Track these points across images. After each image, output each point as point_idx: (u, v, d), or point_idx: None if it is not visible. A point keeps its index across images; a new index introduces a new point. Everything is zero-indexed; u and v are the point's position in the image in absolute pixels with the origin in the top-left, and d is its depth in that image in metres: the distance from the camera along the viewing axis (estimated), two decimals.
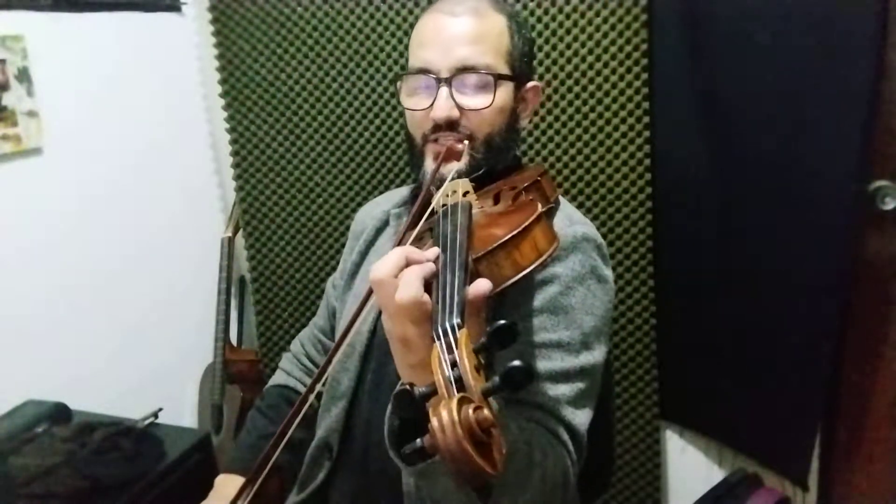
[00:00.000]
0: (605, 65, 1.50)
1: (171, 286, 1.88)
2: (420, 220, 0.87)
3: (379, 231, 1.14)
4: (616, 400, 1.63)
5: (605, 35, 1.48)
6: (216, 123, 1.94)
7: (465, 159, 0.97)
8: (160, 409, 1.47)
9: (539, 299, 0.90)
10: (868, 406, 1.50)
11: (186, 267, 1.93)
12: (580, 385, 0.89)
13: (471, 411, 0.49)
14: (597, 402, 0.94)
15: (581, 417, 0.89)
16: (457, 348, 0.57)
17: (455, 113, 0.95)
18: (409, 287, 0.66)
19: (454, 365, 0.56)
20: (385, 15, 1.63)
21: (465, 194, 0.88)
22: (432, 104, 0.95)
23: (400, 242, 0.86)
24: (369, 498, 1.00)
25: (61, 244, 1.58)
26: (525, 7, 1.52)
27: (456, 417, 0.48)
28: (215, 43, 1.78)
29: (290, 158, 1.79)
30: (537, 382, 0.87)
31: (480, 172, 0.97)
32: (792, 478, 1.56)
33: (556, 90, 1.54)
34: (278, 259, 1.88)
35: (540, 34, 1.52)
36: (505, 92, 0.97)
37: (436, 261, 0.71)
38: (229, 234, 1.93)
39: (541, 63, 1.54)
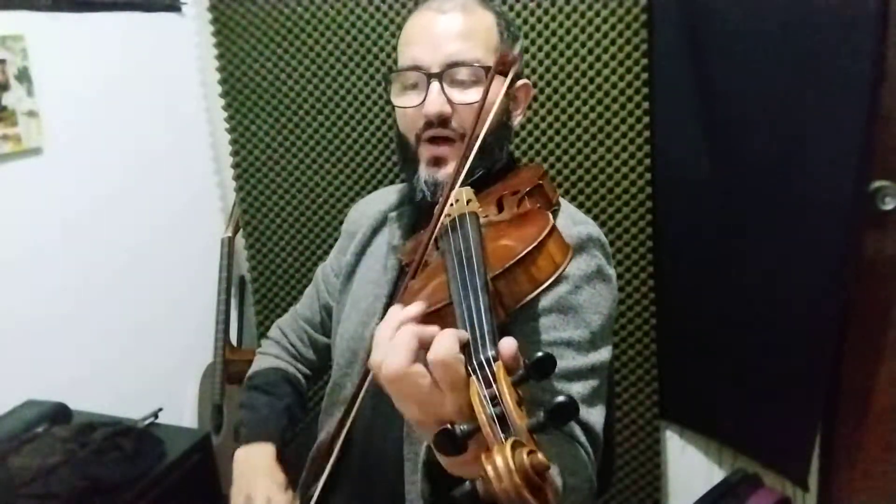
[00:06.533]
0: (605, 65, 1.50)
1: (171, 286, 1.88)
2: (427, 247, 0.85)
3: (375, 231, 1.14)
4: (616, 400, 1.63)
5: (605, 35, 1.48)
6: (216, 123, 1.94)
7: (452, 162, 0.96)
8: (160, 409, 1.47)
9: (548, 299, 0.90)
10: (868, 406, 1.50)
11: (186, 267, 1.93)
12: (592, 383, 0.89)
13: (525, 456, 0.49)
14: None
15: (595, 416, 0.89)
16: (495, 382, 0.56)
17: (447, 108, 0.95)
18: (442, 343, 0.59)
19: (494, 400, 0.55)
20: (385, 15, 1.63)
21: (467, 202, 0.87)
22: (423, 101, 0.95)
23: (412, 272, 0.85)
24: (368, 501, 1.00)
25: (61, 244, 1.58)
26: (525, 7, 1.52)
27: (512, 465, 0.48)
28: (215, 43, 1.78)
29: (290, 158, 1.79)
30: (553, 382, 0.87)
31: (477, 175, 0.97)
32: (792, 478, 1.56)
33: (556, 90, 1.54)
34: (278, 259, 1.88)
35: (540, 34, 1.52)
36: (496, 87, 0.96)
37: (453, 281, 0.69)
38: (229, 234, 1.93)
39: (541, 63, 1.53)
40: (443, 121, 0.95)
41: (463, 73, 0.95)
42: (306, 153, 1.78)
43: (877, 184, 1.38)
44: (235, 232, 1.93)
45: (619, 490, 1.72)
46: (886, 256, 1.42)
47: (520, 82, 1.03)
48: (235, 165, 1.85)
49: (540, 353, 0.56)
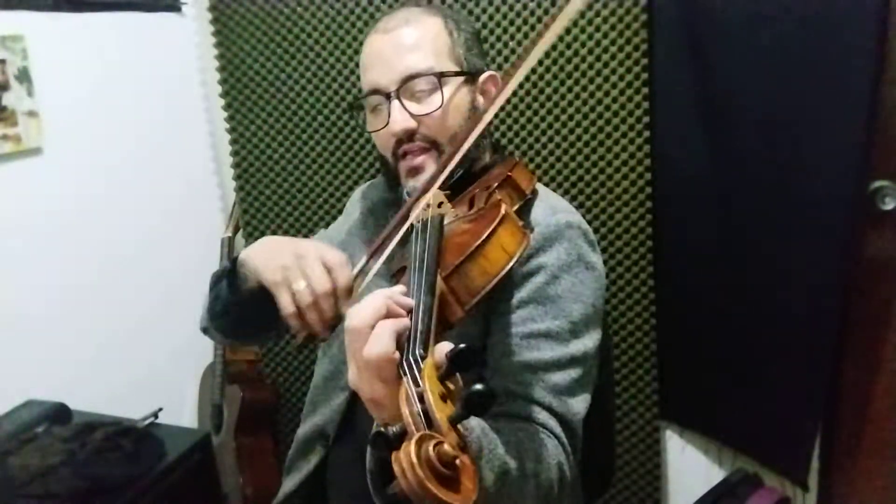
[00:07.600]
0: (605, 65, 1.50)
1: (171, 286, 1.88)
2: (386, 249, 0.87)
3: (365, 219, 1.15)
4: (616, 400, 1.63)
5: (605, 35, 1.48)
6: (216, 123, 1.94)
7: (430, 169, 0.97)
8: (160, 409, 1.47)
9: (525, 290, 0.90)
10: (868, 406, 1.50)
11: (186, 267, 1.93)
12: (572, 373, 0.89)
13: (430, 448, 0.49)
14: (597, 401, 0.94)
15: (575, 406, 0.89)
16: (422, 380, 0.58)
17: (411, 123, 0.97)
18: (380, 341, 0.64)
19: (421, 398, 0.56)
20: (385, 15, 1.63)
21: (439, 205, 0.88)
22: (388, 122, 0.97)
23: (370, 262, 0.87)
24: (363, 485, 1.00)
25: (61, 244, 1.58)
26: (525, 7, 1.52)
27: (415, 460, 0.48)
28: (215, 43, 1.78)
29: (290, 158, 1.79)
30: (528, 374, 0.87)
31: (456, 178, 0.97)
32: (792, 478, 1.56)
33: (556, 90, 1.54)
34: None
35: (540, 34, 1.52)
36: (455, 89, 0.98)
37: (407, 285, 0.72)
38: (229, 234, 1.93)
39: (541, 63, 1.53)
40: (410, 135, 0.97)
41: (420, 84, 0.97)
42: (306, 153, 1.78)
43: (877, 184, 1.38)
44: (235, 232, 1.93)
45: (619, 490, 1.72)
46: (886, 256, 1.42)
47: (484, 75, 1.03)
48: (235, 165, 1.85)
49: (462, 346, 0.58)
